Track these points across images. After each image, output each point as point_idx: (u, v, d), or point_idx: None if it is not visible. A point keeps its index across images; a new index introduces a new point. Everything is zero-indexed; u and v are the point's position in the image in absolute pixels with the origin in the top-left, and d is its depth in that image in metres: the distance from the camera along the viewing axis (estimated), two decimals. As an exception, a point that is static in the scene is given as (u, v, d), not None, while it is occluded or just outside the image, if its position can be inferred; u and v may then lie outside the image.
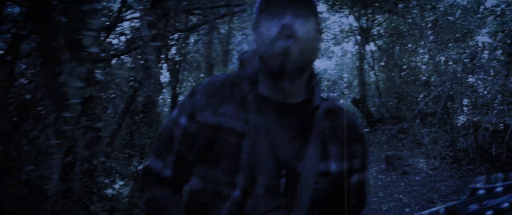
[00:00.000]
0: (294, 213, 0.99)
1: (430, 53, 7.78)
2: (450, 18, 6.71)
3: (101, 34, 4.90)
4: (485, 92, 5.51)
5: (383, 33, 10.89)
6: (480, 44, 6.55)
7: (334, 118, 1.09)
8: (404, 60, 11.40)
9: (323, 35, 1.07)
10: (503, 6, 5.32)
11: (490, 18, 6.70)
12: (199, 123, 1.04)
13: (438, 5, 7.03)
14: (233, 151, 1.00)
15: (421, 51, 9.90)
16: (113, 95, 8.45)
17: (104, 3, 3.79)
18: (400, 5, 7.83)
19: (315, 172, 1.01)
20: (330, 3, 11.56)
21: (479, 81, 6.19)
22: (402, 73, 10.86)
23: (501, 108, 4.64)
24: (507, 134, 4.41)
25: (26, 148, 5.88)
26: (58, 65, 3.68)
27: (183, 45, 10.00)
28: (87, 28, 3.34)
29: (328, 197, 1.04)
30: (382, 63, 11.15)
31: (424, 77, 9.54)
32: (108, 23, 6.10)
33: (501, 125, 4.72)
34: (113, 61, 8.18)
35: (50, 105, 3.87)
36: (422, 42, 8.28)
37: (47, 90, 3.79)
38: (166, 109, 11.82)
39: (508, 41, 6.21)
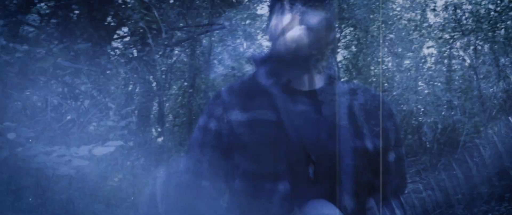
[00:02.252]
0: (341, 193, 0.95)
1: (387, 63, 8.95)
2: (390, 36, 7.87)
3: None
4: (426, 96, 6.67)
5: (349, 45, 12.01)
6: (427, 56, 7.74)
7: (359, 97, 1.08)
8: (371, 68, 12.53)
9: (335, 34, 1.07)
10: (441, 22, 6.49)
11: (435, 32, 7.84)
12: (230, 123, 1.04)
13: (390, 22, 8.20)
14: (270, 142, 1.00)
15: (386, 60, 11.09)
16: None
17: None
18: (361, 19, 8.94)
19: (351, 149, 0.99)
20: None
21: (425, 88, 7.36)
22: (369, 80, 11.96)
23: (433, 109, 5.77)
24: (436, 130, 5.53)
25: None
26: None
27: (168, 57, 10.85)
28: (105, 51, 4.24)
29: (367, 174, 1.02)
30: (348, 72, 12.23)
31: (386, 84, 10.64)
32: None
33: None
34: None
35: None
36: (382, 52, 9.44)
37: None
38: (150, 115, 12.56)
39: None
